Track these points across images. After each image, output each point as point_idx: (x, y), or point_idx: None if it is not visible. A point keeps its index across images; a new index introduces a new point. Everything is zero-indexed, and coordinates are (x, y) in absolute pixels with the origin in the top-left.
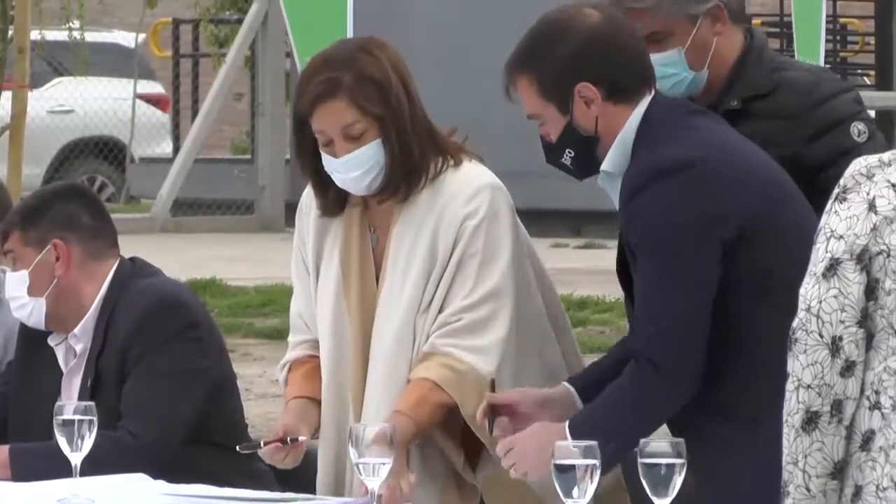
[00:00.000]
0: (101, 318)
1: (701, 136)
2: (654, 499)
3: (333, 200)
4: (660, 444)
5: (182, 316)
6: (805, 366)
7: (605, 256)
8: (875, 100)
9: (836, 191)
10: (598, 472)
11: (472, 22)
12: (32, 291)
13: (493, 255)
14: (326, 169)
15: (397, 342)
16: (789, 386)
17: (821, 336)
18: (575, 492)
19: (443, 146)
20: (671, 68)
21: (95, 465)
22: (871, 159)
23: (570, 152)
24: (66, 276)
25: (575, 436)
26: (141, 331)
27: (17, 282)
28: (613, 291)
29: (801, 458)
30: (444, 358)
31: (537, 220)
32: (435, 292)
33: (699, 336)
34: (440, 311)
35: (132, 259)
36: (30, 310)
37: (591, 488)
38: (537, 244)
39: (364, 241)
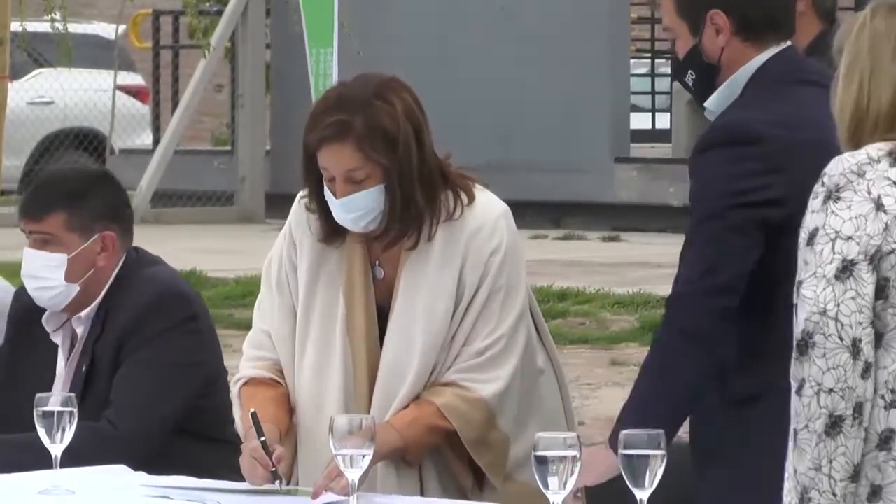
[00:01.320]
0: (101, 304)
1: (792, 112)
2: (634, 490)
3: (335, 228)
4: (638, 436)
5: (183, 307)
6: (825, 370)
7: (585, 248)
8: None
9: (821, 190)
10: (579, 463)
11: (456, 13)
12: (69, 277)
13: (515, 285)
14: (328, 201)
15: (419, 377)
16: (807, 391)
17: (840, 339)
18: (554, 483)
19: (454, 183)
20: None
21: (76, 455)
22: (859, 155)
23: (692, 74)
24: (106, 267)
25: (624, 426)
26: (141, 320)
27: (52, 265)
28: (593, 283)
29: (826, 462)
30: (459, 389)
31: (516, 211)
32: (458, 327)
33: (723, 306)
34: (464, 344)
35: (136, 249)
36: (56, 293)
37: (572, 480)
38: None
39: (367, 274)
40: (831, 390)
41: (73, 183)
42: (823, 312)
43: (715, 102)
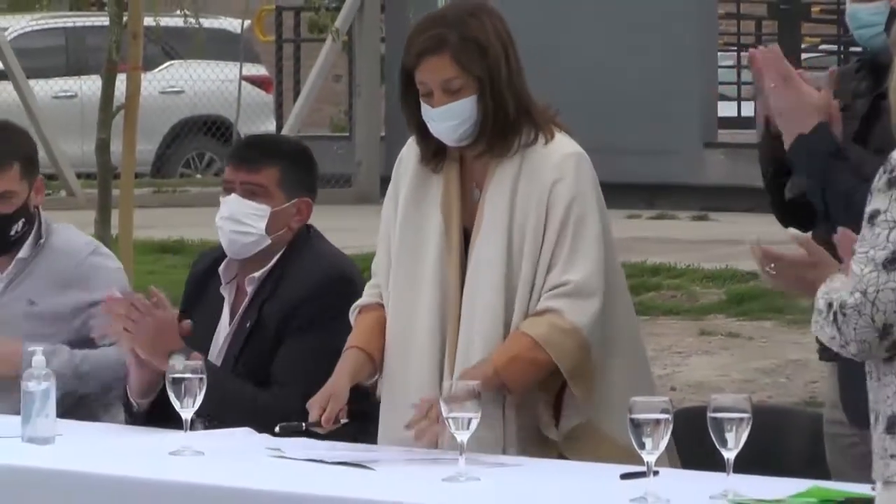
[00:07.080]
0: (276, 268)
1: None
2: (722, 451)
3: (434, 150)
4: (726, 399)
5: (350, 294)
6: (851, 340)
7: (676, 226)
8: None
9: (885, 176)
10: (671, 424)
11: (555, 3)
12: (268, 229)
13: (584, 218)
14: (424, 117)
15: (491, 300)
16: (833, 345)
17: (872, 321)
18: (648, 444)
19: (537, 120)
20: (879, 17)
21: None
22: None
23: None
24: (294, 231)
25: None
26: (313, 301)
27: (258, 214)
28: (683, 259)
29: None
30: (553, 316)
31: (613, 192)
32: (537, 258)
33: None
34: (547, 271)
35: (307, 225)
36: (252, 240)
37: (664, 441)
38: (613, 215)
39: (463, 196)
40: (854, 356)
41: (290, 145)
42: (864, 293)
43: None
